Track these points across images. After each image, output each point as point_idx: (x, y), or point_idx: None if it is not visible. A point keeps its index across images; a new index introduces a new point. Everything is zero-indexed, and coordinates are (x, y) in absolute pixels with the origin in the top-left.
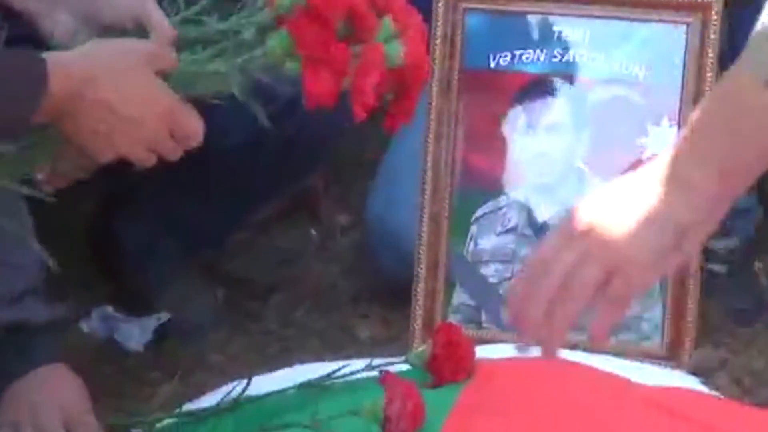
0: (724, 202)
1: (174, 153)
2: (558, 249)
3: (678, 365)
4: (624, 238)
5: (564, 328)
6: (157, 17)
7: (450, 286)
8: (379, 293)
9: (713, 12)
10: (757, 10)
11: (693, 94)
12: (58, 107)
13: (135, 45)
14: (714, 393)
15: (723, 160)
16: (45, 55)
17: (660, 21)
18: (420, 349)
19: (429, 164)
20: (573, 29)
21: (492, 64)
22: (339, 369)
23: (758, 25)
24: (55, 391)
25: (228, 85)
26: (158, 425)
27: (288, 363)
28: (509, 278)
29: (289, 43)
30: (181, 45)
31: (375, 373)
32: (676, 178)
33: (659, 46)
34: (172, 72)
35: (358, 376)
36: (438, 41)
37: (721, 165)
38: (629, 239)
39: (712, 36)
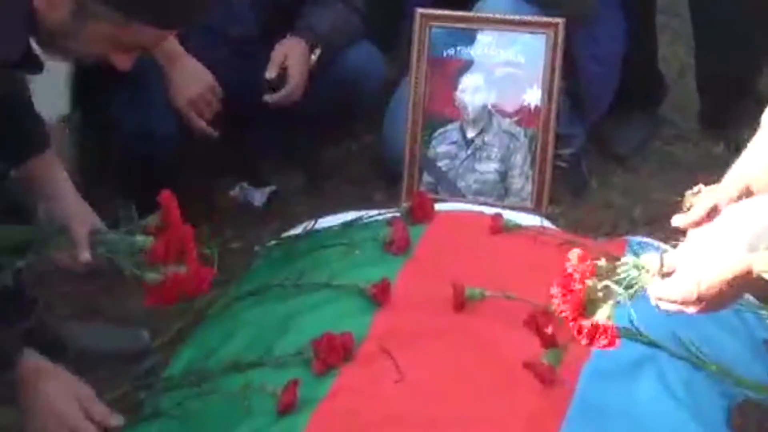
0: None
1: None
2: None
3: (539, 214)
4: None
5: None
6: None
7: (421, 172)
8: (386, 176)
9: (560, 28)
10: (585, 29)
11: (549, 72)
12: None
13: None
14: (558, 229)
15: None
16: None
17: (532, 33)
18: (405, 204)
19: (411, 108)
20: (487, 36)
21: (444, 54)
22: (362, 216)
23: None
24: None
25: None
26: (267, 244)
27: (336, 212)
28: (453, 168)
29: None
30: None
31: (382, 218)
32: None
33: (532, 46)
34: None
35: (374, 219)
36: (415, 42)
37: None
38: None
39: (560, 41)
